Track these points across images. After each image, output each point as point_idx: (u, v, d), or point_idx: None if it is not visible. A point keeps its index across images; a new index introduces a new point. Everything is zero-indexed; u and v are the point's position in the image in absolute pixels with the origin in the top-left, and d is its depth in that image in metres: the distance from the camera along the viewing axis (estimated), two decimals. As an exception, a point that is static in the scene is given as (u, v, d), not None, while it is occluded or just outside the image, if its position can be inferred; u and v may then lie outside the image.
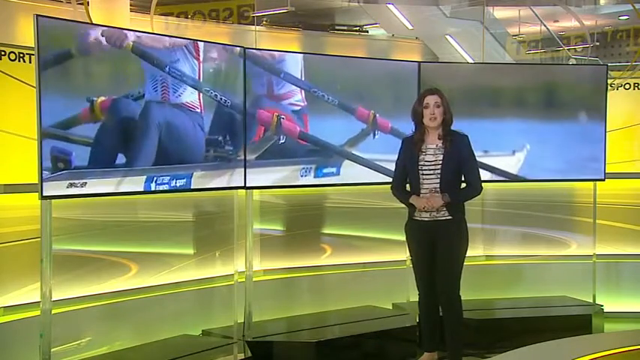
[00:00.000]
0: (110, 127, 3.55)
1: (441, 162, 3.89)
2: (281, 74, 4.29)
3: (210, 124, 3.97)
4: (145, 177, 3.72)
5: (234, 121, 4.11)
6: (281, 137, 4.23)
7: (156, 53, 3.72)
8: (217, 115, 4.00)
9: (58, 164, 3.37)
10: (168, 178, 3.81)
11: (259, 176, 4.28)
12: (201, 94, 3.93)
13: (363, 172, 4.67)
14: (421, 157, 3.94)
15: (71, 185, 3.44)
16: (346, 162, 4.59)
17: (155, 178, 3.76)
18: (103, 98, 3.48)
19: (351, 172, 4.64)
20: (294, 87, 4.35)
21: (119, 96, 3.58)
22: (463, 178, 3.99)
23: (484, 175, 4.69)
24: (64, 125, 3.38)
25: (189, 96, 3.87)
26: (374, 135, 4.60)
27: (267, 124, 4.23)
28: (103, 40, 3.48)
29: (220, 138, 3.98)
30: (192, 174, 3.90)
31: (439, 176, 3.89)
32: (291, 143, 4.31)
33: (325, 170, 4.50)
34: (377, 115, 4.60)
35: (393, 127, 4.63)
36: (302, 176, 4.45)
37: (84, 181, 3.50)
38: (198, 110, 3.93)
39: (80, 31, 3.50)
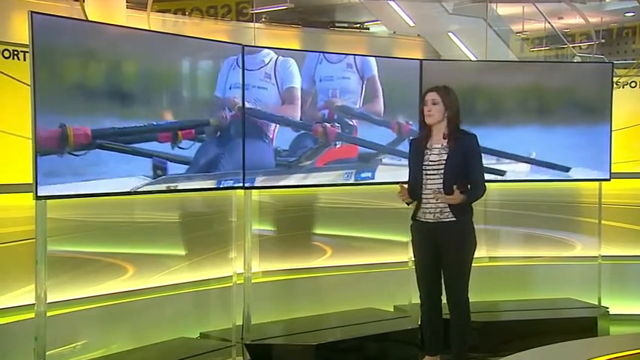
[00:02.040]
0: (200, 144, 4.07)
1: (444, 162, 3.89)
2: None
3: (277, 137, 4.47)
4: (216, 180, 4.20)
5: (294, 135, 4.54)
6: (337, 144, 4.65)
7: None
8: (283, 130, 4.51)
9: (157, 172, 3.86)
10: (232, 182, 4.30)
11: (312, 180, 4.65)
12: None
13: (397, 174, 4.69)
14: (426, 156, 3.94)
15: (168, 188, 3.96)
16: (380, 167, 4.80)
17: (222, 182, 4.25)
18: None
19: (385, 176, 4.79)
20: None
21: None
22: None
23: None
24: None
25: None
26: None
27: (319, 134, 4.59)
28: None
29: (281, 148, 4.48)
30: (254, 179, 4.40)
31: (442, 176, 3.89)
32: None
33: (363, 175, 4.80)
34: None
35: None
36: (344, 179, 4.76)
37: (176, 184, 3.98)
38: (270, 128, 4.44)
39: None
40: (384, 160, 4.81)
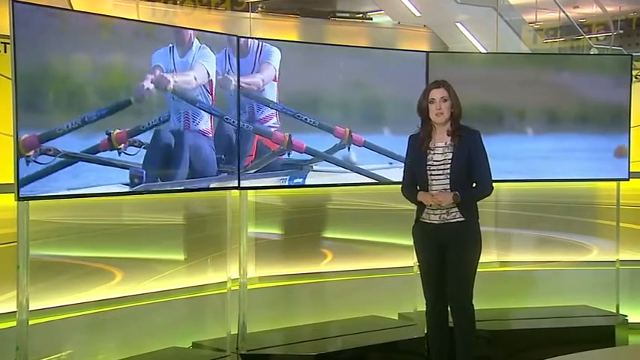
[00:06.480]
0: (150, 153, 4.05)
1: (450, 161, 3.89)
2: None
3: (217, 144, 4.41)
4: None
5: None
6: (291, 153, 4.69)
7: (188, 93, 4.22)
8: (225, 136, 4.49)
9: (134, 180, 3.96)
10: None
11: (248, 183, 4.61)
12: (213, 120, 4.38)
13: (327, 181, 4.85)
14: (429, 156, 3.94)
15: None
16: (311, 173, 4.79)
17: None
18: (118, 131, 3.87)
19: (315, 182, 4.81)
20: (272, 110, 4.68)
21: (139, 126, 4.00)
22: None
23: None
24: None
25: (205, 124, 4.34)
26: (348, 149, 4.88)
27: (281, 142, 4.62)
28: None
29: (223, 156, 4.45)
30: (209, 185, 4.41)
31: (449, 176, 3.89)
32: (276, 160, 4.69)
33: (295, 181, 4.78)
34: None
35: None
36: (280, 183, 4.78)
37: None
38: (211, 135, 4.38)
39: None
40: (315, 167, 4.78)
